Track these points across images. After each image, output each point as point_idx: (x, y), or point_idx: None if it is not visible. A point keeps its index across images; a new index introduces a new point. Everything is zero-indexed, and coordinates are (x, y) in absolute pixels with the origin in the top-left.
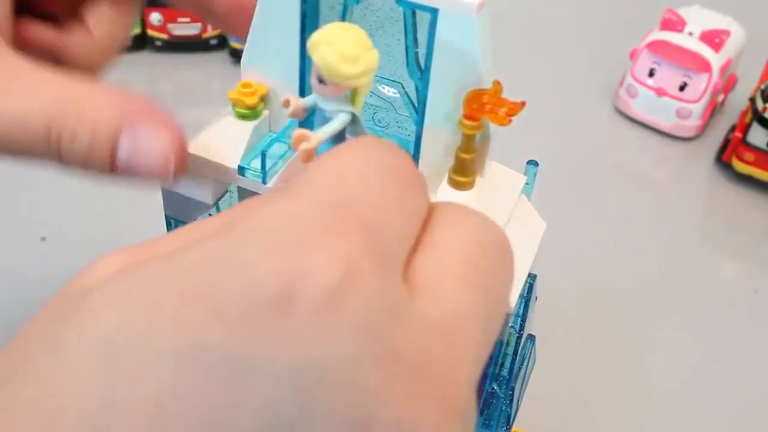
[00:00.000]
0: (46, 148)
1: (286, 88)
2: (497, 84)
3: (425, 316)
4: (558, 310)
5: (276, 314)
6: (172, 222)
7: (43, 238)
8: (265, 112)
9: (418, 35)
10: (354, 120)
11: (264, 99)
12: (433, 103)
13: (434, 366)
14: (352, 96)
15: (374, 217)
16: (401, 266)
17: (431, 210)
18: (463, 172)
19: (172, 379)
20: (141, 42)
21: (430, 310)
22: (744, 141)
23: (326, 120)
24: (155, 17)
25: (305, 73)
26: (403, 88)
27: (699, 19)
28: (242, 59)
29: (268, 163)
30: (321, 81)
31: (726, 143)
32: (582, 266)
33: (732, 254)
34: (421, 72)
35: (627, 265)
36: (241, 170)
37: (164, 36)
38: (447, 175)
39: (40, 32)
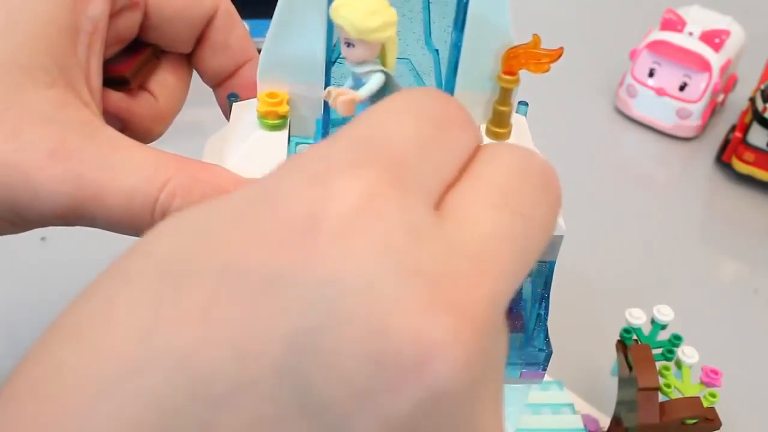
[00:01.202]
0: (149, 223)
1: (308, 89)
2: (537, 37)
3: (450, 237)
4: (558, 309)
5: (304, 235)
6: None
7: (43, 239)
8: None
9: (437, 10)
10: (388, 79)
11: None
12: (464, 68)
13: (454, 281)
14: (382, 58)
15: (402, 152)
16: (431, 196)
17: (478, 149)
18: (501, 123)
19: (214, 290)
20: None
21: (457, 233)
22: (744, 141)
23: (356, 88)
24: None
25: (329, 69)
26: (412, 64)
27: (699, 19)
28: (258, 72)
29: None
30: (349, 44)
31: (726, 143)
32: (581, 265)
33: (732, 254)
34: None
35: (626, 264)
36: None
37: None
38: (485, 128)
39: (113, 98)
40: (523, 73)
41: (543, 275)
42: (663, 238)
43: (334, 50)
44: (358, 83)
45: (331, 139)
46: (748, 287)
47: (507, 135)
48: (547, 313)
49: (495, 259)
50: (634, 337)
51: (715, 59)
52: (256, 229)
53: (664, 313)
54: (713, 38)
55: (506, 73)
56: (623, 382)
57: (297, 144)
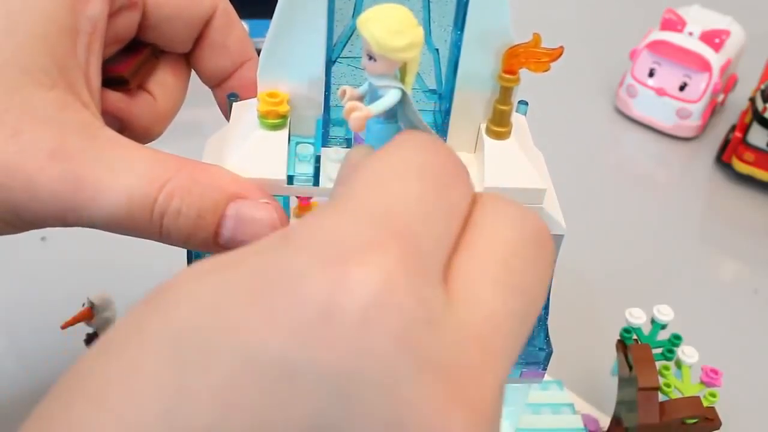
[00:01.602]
0: (147, 224)
1: (308, 88)
2: (537, 36)
3: (461, 322)
4: (558, 309)
5: (321, 324)
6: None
7: (43, 238)
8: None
9: (437, 9)
10: (403, 97)
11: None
12: (464, 67)
13: (467, 373)
14: (402, 75)
15: (412, 227)
16: (440, 271)
17: (474, 201)
18: (502, 122)
19: (233, 373)
20: None
21: (467, 317)
22: (744, 141)
23: (371, 100)
24: None
25: (330, 69)
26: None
27: (699, 19)
28: (258, 72)
29: (306, 167)
30: (371, 58)
31: (726, 143)
32: (581, 265)
33: (732, 254)
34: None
35: (626, 264)
36: (290, 179)
37: None
38: (486, 128)
39: (111, 99)
40: (523, 73)
41: None
42: (663, 238)
43: (335, 49)
44: (374, 94)
45: (337, 207)
46: (748, 287)
47: (507, 134)
48: (547, 313)
49: (502, 342)
50: (634, 336)
51: (715, 59)
52: (273, 313)
53: (664, 312)
54: (713, 38)
55: (507, 72)
56: (623, 382)
57: (297, 143)
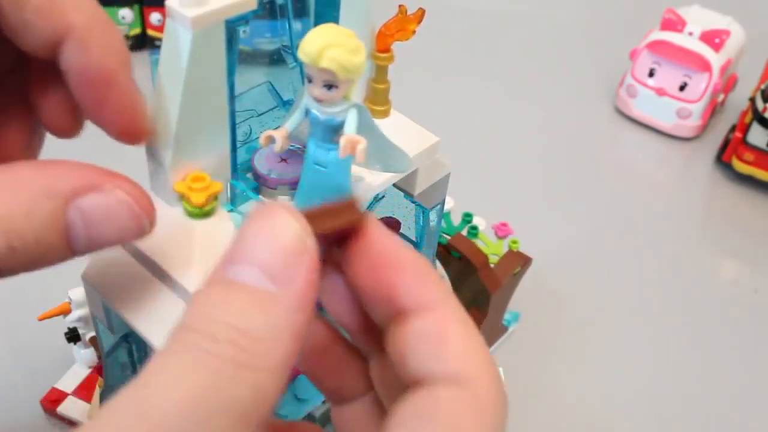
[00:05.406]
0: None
1: (219, 158)
2: (403, 7)
3: None
4: (558, 309)
5: None
6: None
7: None
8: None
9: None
10: (364, 111)
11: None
12: None
13: None
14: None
15: None
16: None
17: None
18: (380, 101)
19: None
20: (141, 42)
21: None
22: (744, 141)
23: (326, 129)
24: (155, 17)
25: (235, 131)
26: (271, 85)
27: (699, 19)
28: (171, 159)
29: None
30: (330, 87)
31: (726, 143)
32: (581, 265)
33: (732, 254)
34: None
35: (626, 264)
36: None
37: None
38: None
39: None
40: (523, 72)
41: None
42: (663, 238)
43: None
44: (325, 124)
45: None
46: (748, 287)
47: (386, 113)
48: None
49: None
50: (443, 234)
51: (715, 59)
52: None
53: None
54: (713, 38)
55: (380, 51)
56: (453, 272)
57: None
